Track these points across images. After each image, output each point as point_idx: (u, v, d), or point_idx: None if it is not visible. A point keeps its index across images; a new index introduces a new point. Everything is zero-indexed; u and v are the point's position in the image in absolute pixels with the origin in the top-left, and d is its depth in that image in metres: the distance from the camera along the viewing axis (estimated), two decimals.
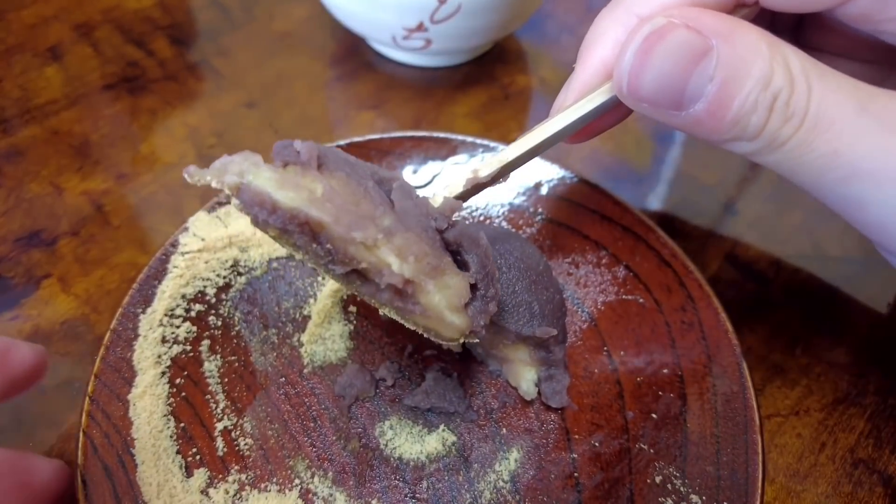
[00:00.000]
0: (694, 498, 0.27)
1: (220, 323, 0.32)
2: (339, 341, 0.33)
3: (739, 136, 0.23)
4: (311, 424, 0.30)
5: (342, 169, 0.23)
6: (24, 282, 0.36)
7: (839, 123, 0.21)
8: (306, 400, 0.31)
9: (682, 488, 0.27)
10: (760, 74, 0.21)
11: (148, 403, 0.29)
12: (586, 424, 0.30)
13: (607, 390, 0.31)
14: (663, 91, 0.23)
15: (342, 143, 0.36)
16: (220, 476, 0.28)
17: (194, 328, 0.31)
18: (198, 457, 0.28)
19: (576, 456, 0.30)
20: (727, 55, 0.21)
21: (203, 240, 0.32)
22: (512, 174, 0.37)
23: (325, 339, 0.33)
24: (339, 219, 0.22)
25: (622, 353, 0.32)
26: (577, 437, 0.30)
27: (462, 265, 0.25)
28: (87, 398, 0.28)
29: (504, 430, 0.31)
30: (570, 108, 0.26)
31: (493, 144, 0.37)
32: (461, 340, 0.26)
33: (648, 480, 0.28)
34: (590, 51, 0.26)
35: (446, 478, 0.29)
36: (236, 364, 0.31)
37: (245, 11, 0.52)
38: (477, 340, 0.26)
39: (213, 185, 0.23)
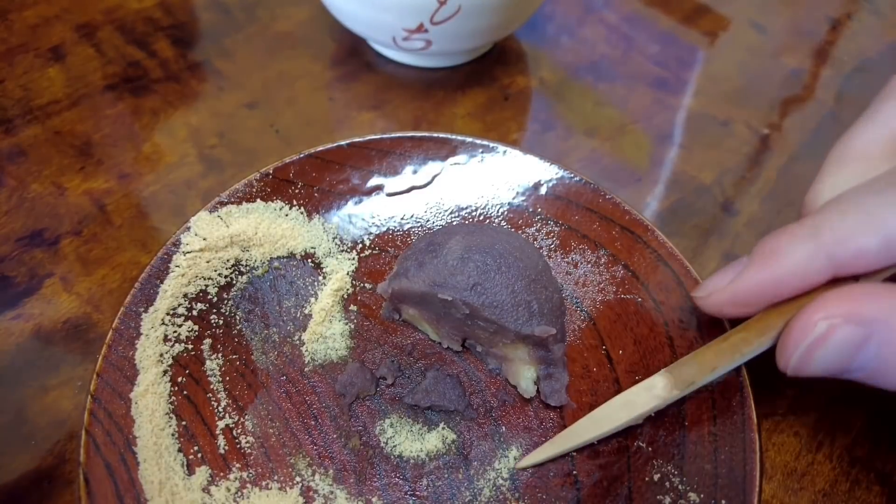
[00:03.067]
0: (692, 496, 0.27)
1: (221, 322, 0.32)
2: (340, 340, 0.33)
3: None
4: (312, 422, 0.30)
5: None
6: (27, 281, 0.36)
7: None
8: (307, 398, 0.31)
9: (680, 486, 0.27)
10: None
11: (150, 402, 0.29)
12: None
13: (606, 389, 0.31)
14: (825, 373, 0.25)
15: (343, 143, 0.37)
16: (222, 474, 0.28)
17: (196, 327, 0.32)
18: (199, 455, 0.29)
19: (574, 454, 0.30)
20: (888, 339, 0.23)
21: (205, 239, 0.33)
22: (512, 175, 0.37)
23: (326, 337, 0.33)
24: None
25: (620, 351, 0.32)
26: None
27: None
28: (90, 396, 0.28)
29: (503, 428, 0.31)
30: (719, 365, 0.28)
31: (492, 145, 0.37)
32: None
33: (646, 478, 0.28)
34: (770, 263, 0.26)
35: (446, 475, 0.29)
36: (238, 362, 0.32)
37: (246, 12, 0.52)
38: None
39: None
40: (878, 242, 0.24)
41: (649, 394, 0.28)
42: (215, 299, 0.33)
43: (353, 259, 0.36)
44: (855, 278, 0.27)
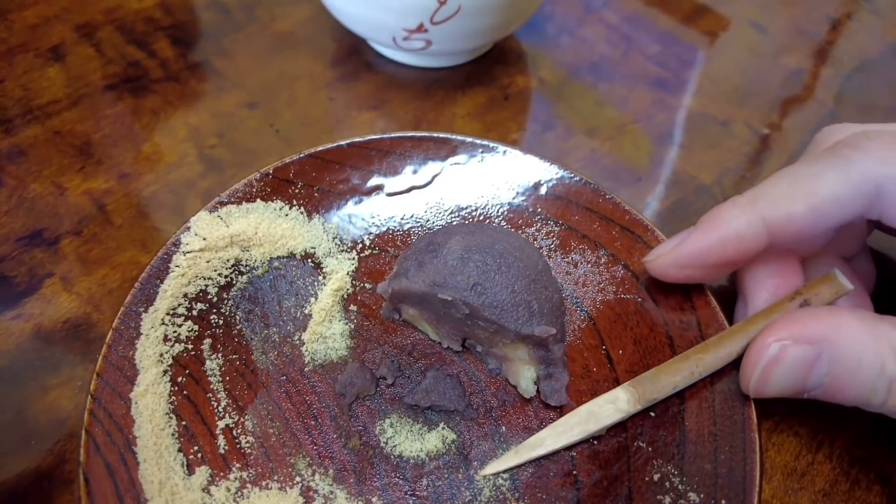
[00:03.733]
0: (692, 496, 0.27)
1: (221, 322, 0.32)
2: (340, 340, 0.33)
3: (864, 405, 0.27)
4: (312, 422, 0.30)
5: None
6: (27, 281, 0.36)
7: None
8: (307, 398, 0.31)
9: (680, 486, 0.27)
10: (871, 367, 0.25)
11: (150, 402, 0.29)
12: None
13: (606, 389, 0.31)
14: (784, 392, 0.27)
15: (343, 143, 0.37)
16: (222, 474, 0.28)
17: (196, 327, 0.32)
18: (199, 455, 0.29)
19: (574, 454, 0.30)
20: (836, 356, 0.26)
21: (205, 239, 0.33)
22: (512, 175, 0.37)
23: (326, 337, 0.33)
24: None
25: (620, 351, 0.32)
26: None
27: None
28: (90, 396, 0.28)
29: (503, 428, 0.31)
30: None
31: (492, 145, 0.37)
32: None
33: (647, 478, 0.28)
34: (713, 228, 0.29)
35: (446, 475, 0.29)
36: (238, 362, 0.32)
37: (246, 12, 0.52)
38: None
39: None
40: (804, 208, 0.27)
41: (613, 406, 0.29)
42: (215, 299, 0.33)
43: (353, 259, 0.36)
44: (800, 290, 0.30)
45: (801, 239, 0.29)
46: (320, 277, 0.35)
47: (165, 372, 0.30)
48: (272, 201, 0.35)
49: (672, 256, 0.30)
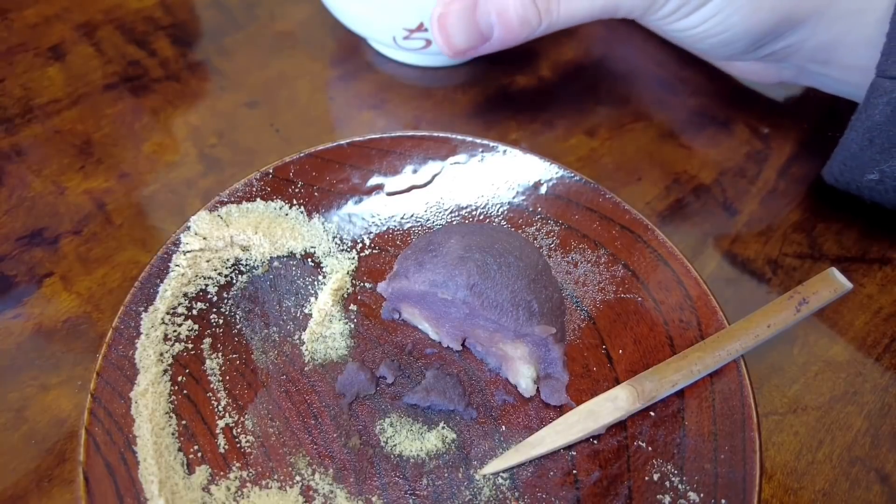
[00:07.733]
0: (692, 495, 0.27)
1: (221, 321, 0.32)
2: (340, 339, 0.33)
3: (531, 34, 0.36)
4: (312, 422, 0.30)
5: None
6: (27, 280, 0.36)
7: None
8: (307, 397, 0.31)
9: (679, 485, 0.27)
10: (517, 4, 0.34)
11: (150, 401, 0.29)
12: None
13: (606, 388, 0.31)
14: (470, 40, 0.37)
15: (343, 142, 0.37)
16: (222, 473, 0.28)
17: (196, 326, 0.32)
18: (199, 454, 0.29)
19: (574, 453, 0.30)
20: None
21: (205, 238, 0.33)
22: (512, 175, 0.37)
23: (325, 337, 0.33)
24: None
25: (620, 351, 0.32)
26: None
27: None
28: (90, 396, 0.28)
29: (503, 427, 0.31)
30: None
31: (492, 144, 0.37)
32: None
33: (646, 478, 0.28)
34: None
35: (446, 475, 0.29)
36: (238, 362, 0.32)
37: (246, 11, 0.52)
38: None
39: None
40: None
41: (612, 405, 0.29)
42: (215, 298, 0.33)
43: (353, 258, 0.36)
44: (797, 288, 0.31)
45: None
46: (320, 277, 0.35)
47: (165, 371, 0.30)
48: (272, 201, 0.35)
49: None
